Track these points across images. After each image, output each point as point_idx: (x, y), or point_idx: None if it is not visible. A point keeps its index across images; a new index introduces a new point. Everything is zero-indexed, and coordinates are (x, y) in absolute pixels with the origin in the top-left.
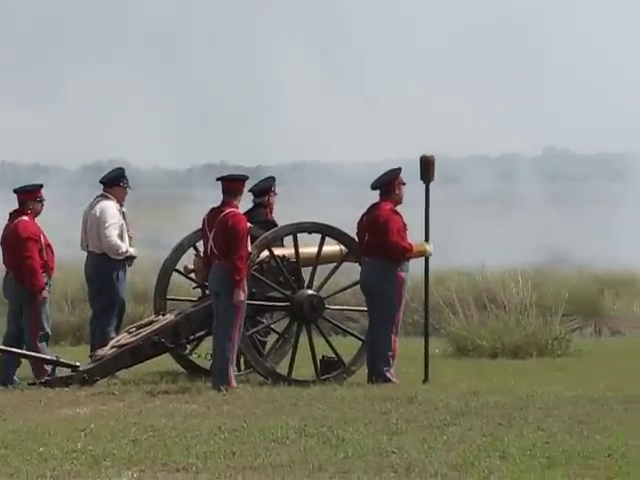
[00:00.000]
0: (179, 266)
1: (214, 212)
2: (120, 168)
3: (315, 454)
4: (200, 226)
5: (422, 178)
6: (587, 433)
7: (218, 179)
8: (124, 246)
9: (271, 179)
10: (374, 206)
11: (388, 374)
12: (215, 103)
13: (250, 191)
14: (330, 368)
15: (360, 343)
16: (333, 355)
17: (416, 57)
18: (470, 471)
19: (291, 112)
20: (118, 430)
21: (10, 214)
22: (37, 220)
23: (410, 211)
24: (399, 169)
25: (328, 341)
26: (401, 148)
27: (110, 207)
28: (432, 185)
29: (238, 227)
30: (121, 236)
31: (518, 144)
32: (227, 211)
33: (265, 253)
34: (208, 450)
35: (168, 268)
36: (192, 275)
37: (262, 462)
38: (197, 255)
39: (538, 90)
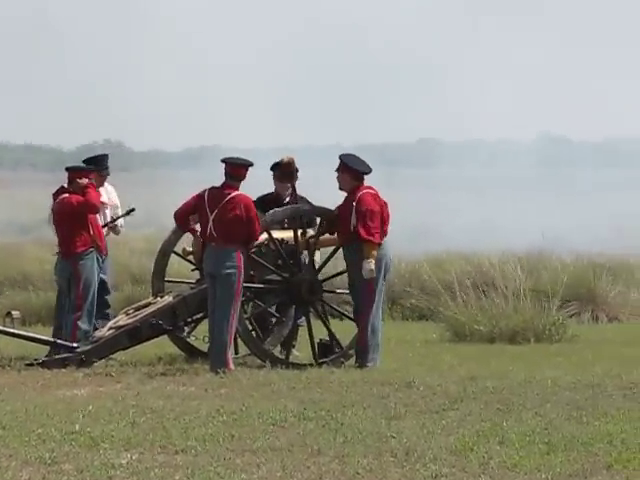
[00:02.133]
0: (177, 248)
1: (215, 192)
2: (101, 155)
3: (314, 438)
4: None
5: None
6: (586, 419)
7: (223, 161)
8: None
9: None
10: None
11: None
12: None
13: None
14: (328, 351)
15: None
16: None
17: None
18: (469, 456)
19: None
20: (116, 412)
21: (53, 194)
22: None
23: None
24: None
25: (326, 324)
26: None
27: None
28: (431, 168)
29: (252, 212)
30: None
31: (513, 129)
32: (234, 194)
33: (264, 236)
34: (207, 433)
35: (166, 250)
36: (190, 257)
37: (261, 445)
38: (195, 237)
39: (533, 77)
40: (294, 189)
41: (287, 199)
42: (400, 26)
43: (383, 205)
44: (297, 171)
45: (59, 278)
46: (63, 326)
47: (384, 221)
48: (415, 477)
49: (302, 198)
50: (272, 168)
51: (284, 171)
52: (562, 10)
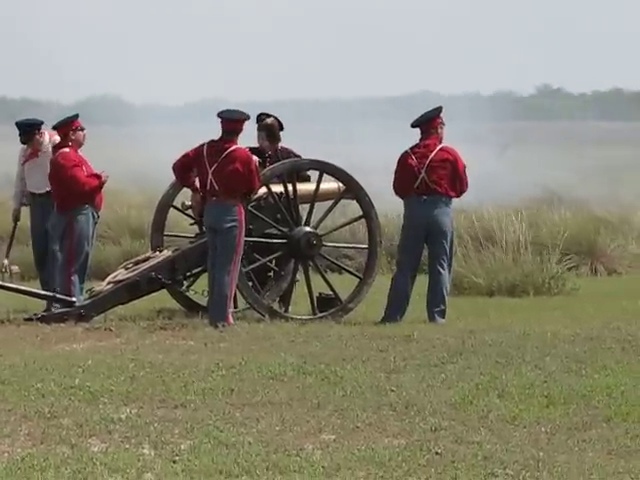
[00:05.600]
0: (176, 202)
1: (214, 146)
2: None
3: (313, 392)
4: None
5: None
6: (585, 372)
7: (219, 115)
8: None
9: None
10: (425, 145)
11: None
12: None
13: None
14: (327, 305)
15: (357, 280)
16: (330, 292)
17: None
18: (469, 409)
19: None
20: (115, 366)
21: (53, 148)
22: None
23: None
24: (440, 108)
25: (325, 278)
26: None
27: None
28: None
29: (252, 165)
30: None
31: (512, 82)
32: (233, 148)
33: (263, 190)
34: (206, 387)
35: (165, 204)
36: (189, 211)
37: (260, 399)
38: (194, 192)
39: (534, 28)
40: (275, 149)
41: (269, 153)
42: None
43: None
44: (281, 129)
45: (53, 232)
46: (51, 280)
47: None
48: (414, 430)
49: (286, 150)
50: (257, 120)
51: (267, 133)
52: None
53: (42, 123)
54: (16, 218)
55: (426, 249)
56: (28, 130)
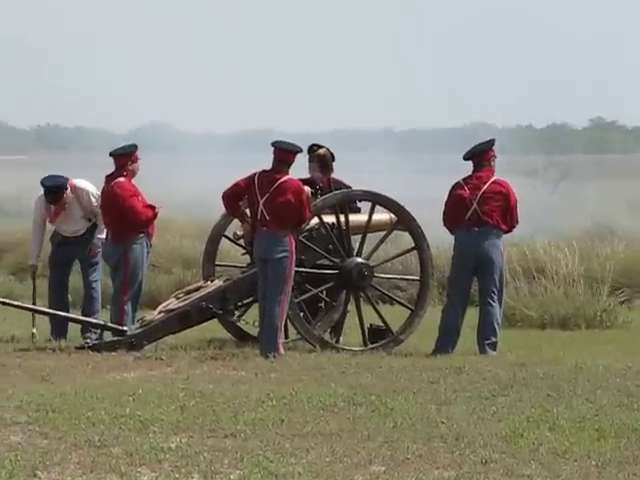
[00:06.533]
0: (228, 232)
1: (266, 176)
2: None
3: (364, 423)
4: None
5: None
6: (637, 406)
7: (273, 144)
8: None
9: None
10: (478, 177)
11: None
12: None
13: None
14: (378, 337)
15: (408, 312)
16: (381, 324)
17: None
18: (519, 442)
19: None
20: (166, 395)
21: (107, 177)
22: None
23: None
24: (493, 140)
25: (376, 309)
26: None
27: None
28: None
29: (303, 196)
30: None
31: (566, 114)
32: (285, 179)
33: (315, 220)
34: (256, 417)
35: (217, 234)
36: (241, 241)
37: (311, 430)
38: (243, 222)
39: (588, 62)
40: (328, 180)
41: (320, 184)
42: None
43: None
44: (333, 160)
45: (107, 262)
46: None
47: None
48: (464, 463)
49: (337, 181)
50: (309, 151)
51: (320, 164)
52: None
53: (67, 181)
54: (34, 274)
55: (476, 281)
56: (56, 191)
